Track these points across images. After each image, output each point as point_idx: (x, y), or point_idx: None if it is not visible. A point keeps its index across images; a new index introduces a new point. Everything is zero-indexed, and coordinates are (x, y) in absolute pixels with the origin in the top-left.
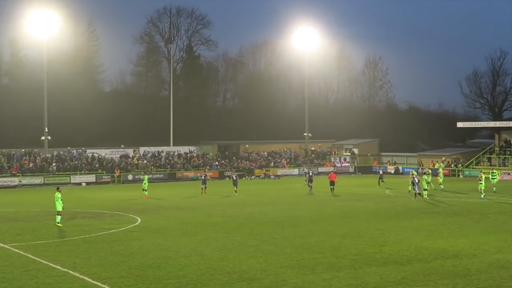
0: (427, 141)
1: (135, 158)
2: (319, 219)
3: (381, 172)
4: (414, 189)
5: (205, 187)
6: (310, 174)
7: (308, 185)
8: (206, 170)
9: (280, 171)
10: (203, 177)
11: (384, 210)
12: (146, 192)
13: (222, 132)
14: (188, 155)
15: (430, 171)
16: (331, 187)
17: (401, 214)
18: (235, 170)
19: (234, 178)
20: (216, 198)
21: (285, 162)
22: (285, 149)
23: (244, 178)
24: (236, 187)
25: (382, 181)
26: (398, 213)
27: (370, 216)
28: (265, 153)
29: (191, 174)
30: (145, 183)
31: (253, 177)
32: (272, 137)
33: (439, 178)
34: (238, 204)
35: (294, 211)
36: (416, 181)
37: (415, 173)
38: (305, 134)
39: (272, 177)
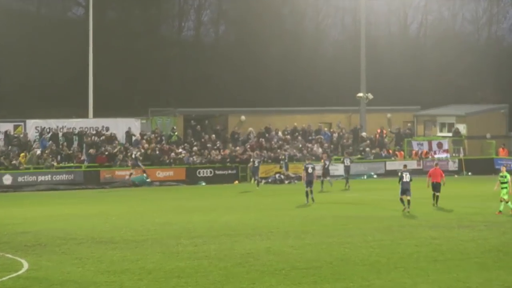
0: None
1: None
2: (388, 265)
3: (326, 163)
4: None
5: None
6: (347, 163)
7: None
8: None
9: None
10: (135, 159)
11: None
12: None
13: (194, 91)
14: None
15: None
16: (435, 193)
17: None
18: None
19: (256, 164)
20: (184, 217)
21: (320, 148)
22: (320, 125)
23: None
24: (256, 179)
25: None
26: None
27: (489, 259)
28: (279, 133)
29: (129, 173)
30: None
31: (259, 179)
32: (293, 101)
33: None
34: (224, 234)
35: (339, 247)
36: (407, 179)
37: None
38: (359, 95)
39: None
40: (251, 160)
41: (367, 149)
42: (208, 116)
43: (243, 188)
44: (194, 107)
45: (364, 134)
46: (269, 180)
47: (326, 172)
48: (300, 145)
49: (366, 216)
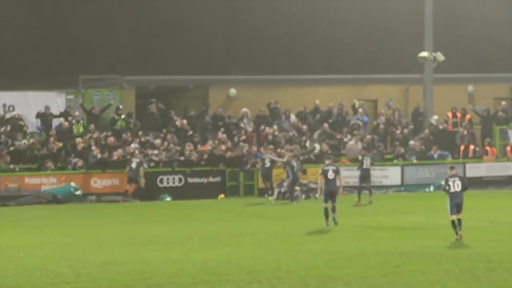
0: None
1: None
2: None
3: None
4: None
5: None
6: (367, 164)
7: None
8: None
9: (346, 172)
10: (133, 164)
11: None
12: None
13: (154, 49)
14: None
15: None
16: None
17: None
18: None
19: (267, 164)
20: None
21: (359, 143)
22: (358, 104)
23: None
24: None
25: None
26: None
27: None
28: (291, 115)
29: (49, 182)
30: None
31: (270, 186)
32: (315, 65)
33: None
34: (202, 281)
35: None
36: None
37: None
38: (423, 55)
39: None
40: (261, 158)
41: (411, 142)
42: (177, 89)
43: (233, 205)
44: (153, 74)
45: (435, 118)
46: (281, 190)
47: (365, 176)
48: (324, 137)
49: (433, 252)
